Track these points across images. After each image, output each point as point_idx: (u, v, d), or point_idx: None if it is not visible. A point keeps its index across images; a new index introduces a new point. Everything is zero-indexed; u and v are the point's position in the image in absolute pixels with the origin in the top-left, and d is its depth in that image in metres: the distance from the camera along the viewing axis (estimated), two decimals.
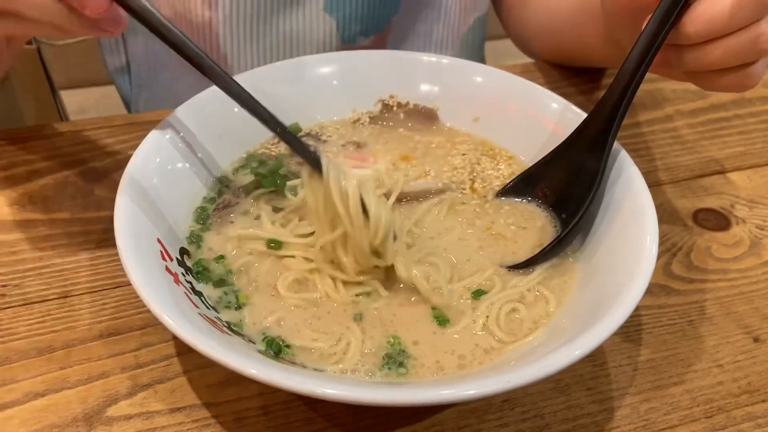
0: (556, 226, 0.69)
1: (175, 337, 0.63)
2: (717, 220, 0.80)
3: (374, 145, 0.77)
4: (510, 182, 0.72)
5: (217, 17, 0.90)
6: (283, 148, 0.75)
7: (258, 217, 0.68)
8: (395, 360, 0.58)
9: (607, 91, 0.65)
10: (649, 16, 0.62)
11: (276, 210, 0.69)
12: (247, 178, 0.72)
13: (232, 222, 0.68)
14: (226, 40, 0.93)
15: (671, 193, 0.82)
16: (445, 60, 0.80)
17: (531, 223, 0.70)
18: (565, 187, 0.69)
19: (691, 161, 0.87)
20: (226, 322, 0.59)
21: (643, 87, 0.66)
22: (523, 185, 0.72)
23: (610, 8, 0.72)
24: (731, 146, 0.90)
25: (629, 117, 0.92)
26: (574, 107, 0.74)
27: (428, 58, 0.80)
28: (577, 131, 0.68)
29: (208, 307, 0.59)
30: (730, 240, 0.77)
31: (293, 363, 0.56)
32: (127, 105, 1.10)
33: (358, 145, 0.76)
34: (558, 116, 0.74)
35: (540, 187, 0.71)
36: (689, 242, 0.77)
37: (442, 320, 0.61)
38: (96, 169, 0.78)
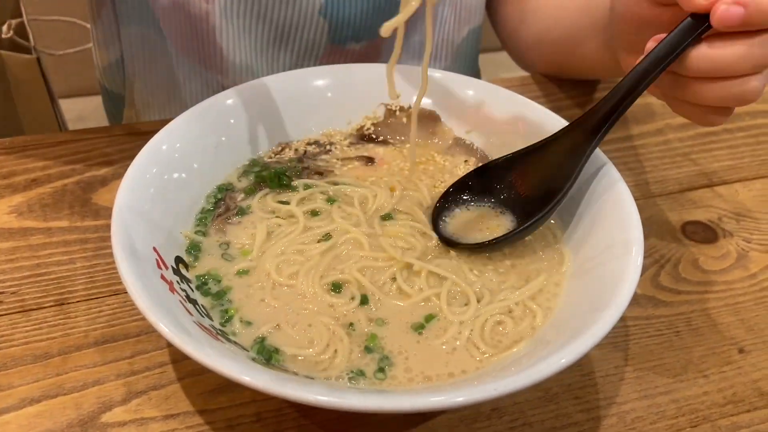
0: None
1: (169, 345, 0.64)
2: (705, 233, 0.81)
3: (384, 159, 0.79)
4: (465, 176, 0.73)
5: (214, 10, 0.92)
6: (287, 156, 0.77)
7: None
8: (378, 367, 0.58)
9: (601, 101, 0.66)
10: (660, 39, 0.63)
11: (283, 203, 0.71)
12: (249, 182, 0.74)
13: (233, 224, 0.69)
14: (222, 32, 0.94)
15: (661, 206, 0.84)
16: (438, 73, 0.81)
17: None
18: (538, 186, 0.69)
19: (680, 174, 0.88)
20: (220, 330, 0.60)
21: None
22: (483, 183, 0.72)
23: (620, 11, 0.73)
24: (720, 160, 0.91)
25: (621, 130, 0.94)
26: (566, 123, 0.75)
27: None
28: (555, 136, 0.69)
29: (202, 315, 0.60)
30: (718, 253, 0.79)
31: (285, 370, 0.57)
32: (120, 99, 1.09)
33: (370, 160, 0.78)
34: (549, 132, 0.75)
35: (505, 185, 0.72)
36: (677, 254, 0.78)
37: (419, 325, 0.62)
38: (94, 177, 0.80)
